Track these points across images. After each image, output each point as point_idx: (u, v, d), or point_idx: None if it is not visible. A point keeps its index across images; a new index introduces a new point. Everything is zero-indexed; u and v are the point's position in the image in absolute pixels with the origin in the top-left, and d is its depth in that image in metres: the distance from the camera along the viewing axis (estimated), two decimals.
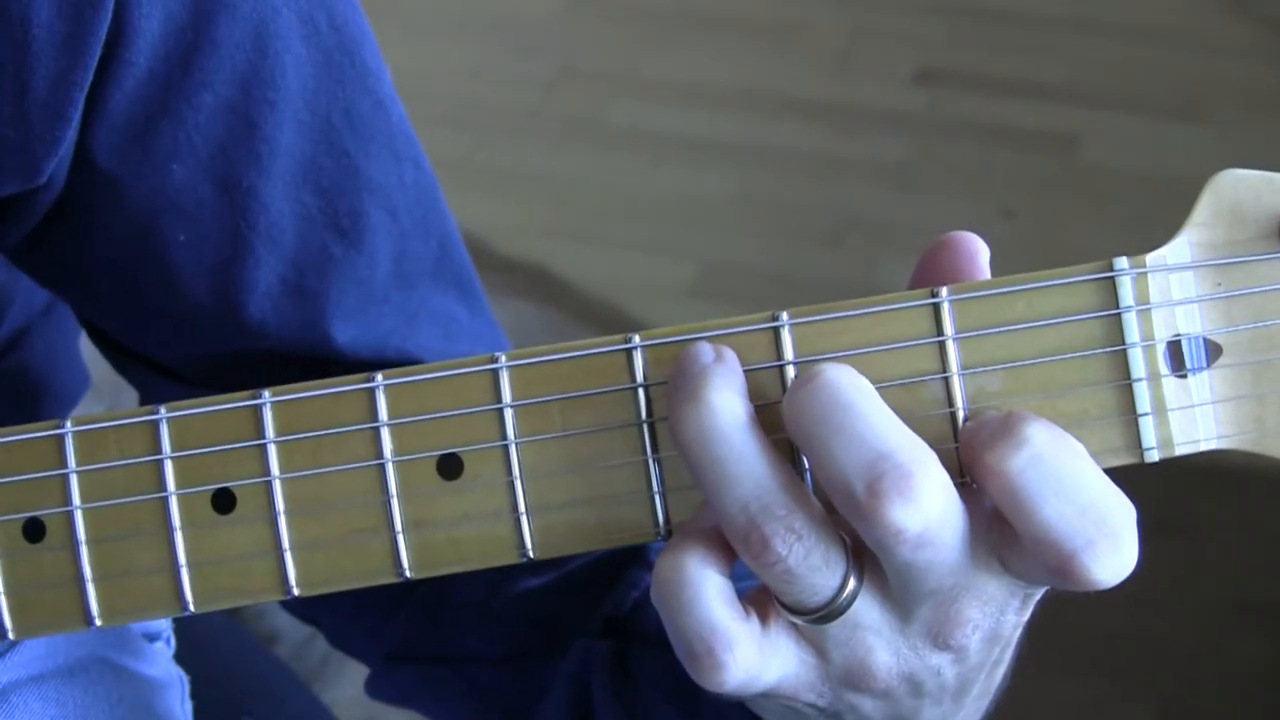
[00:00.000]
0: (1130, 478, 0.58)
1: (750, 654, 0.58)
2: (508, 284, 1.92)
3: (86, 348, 0.96)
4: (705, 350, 0.58)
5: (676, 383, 0.58)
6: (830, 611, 0.58)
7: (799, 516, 0.56)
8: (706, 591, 0.57)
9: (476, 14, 2.83)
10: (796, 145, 2.55)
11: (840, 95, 2.62)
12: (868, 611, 0.58)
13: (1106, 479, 0.57)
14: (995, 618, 0.59)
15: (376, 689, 0.86)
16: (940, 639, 0.59)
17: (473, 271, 0.82)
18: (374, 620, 0.84)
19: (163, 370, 0.80)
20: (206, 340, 0.77)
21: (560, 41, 2.76)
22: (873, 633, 0.59)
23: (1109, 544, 0.55)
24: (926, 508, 0.55)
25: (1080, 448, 0.57)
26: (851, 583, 0.58)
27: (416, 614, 0.82)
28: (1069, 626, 1.76)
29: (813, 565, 0.57)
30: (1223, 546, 1.96)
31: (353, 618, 0.85)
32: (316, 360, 0.77)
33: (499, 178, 2.54)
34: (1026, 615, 0.61)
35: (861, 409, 0.56)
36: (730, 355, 0.58)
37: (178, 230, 0.73)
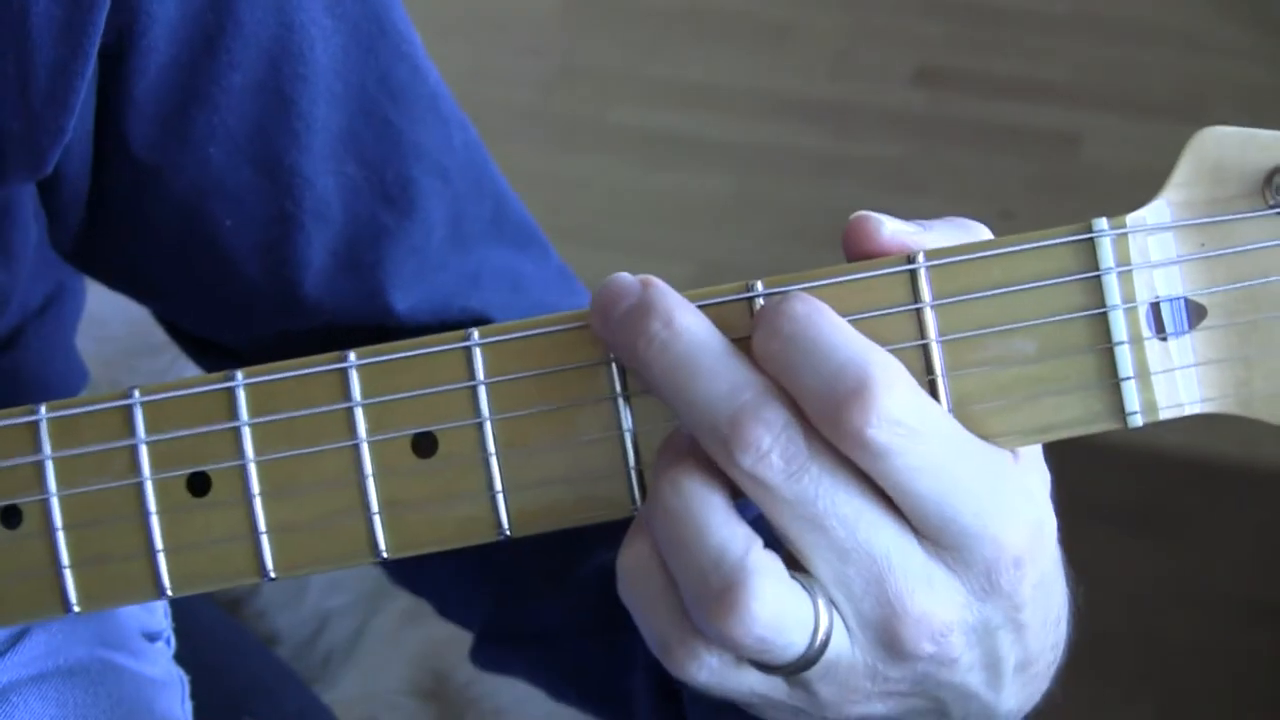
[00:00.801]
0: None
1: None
2: None
3: (85, 346, 0.96)
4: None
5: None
6: (807, 660, 0.56)
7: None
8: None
9: (476, 14, 2.83)
10: (796, 145, 2.55)
11: (839, 95, 2.62)
12: (844, 650, 0.57)
13: (855, 336, 0.55)
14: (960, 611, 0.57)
15: (478, 659, 0.85)
16: (895, 647, 0.57)
17: (533, 223, 0.82)
18: (465, 591, 0.83)
19: (233, 355, 0.80)
20: (270, 321, 0.77)
21: (560, 41, 2.76)
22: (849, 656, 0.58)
23: (870, 392, 0.54)
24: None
25: (830, 316, 0.56)
26: (825, 622, 0.56)
27: (500, 584, 0.82)
28: (1071, 627, 1.76)
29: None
30: (1223, 546, 1.96)
31: (448, 590, 0.85)
32: (380, 330, 0.76)
33: None
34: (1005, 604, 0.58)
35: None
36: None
37: (223, 215, 0.73)
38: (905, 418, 0.54)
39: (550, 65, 2.72)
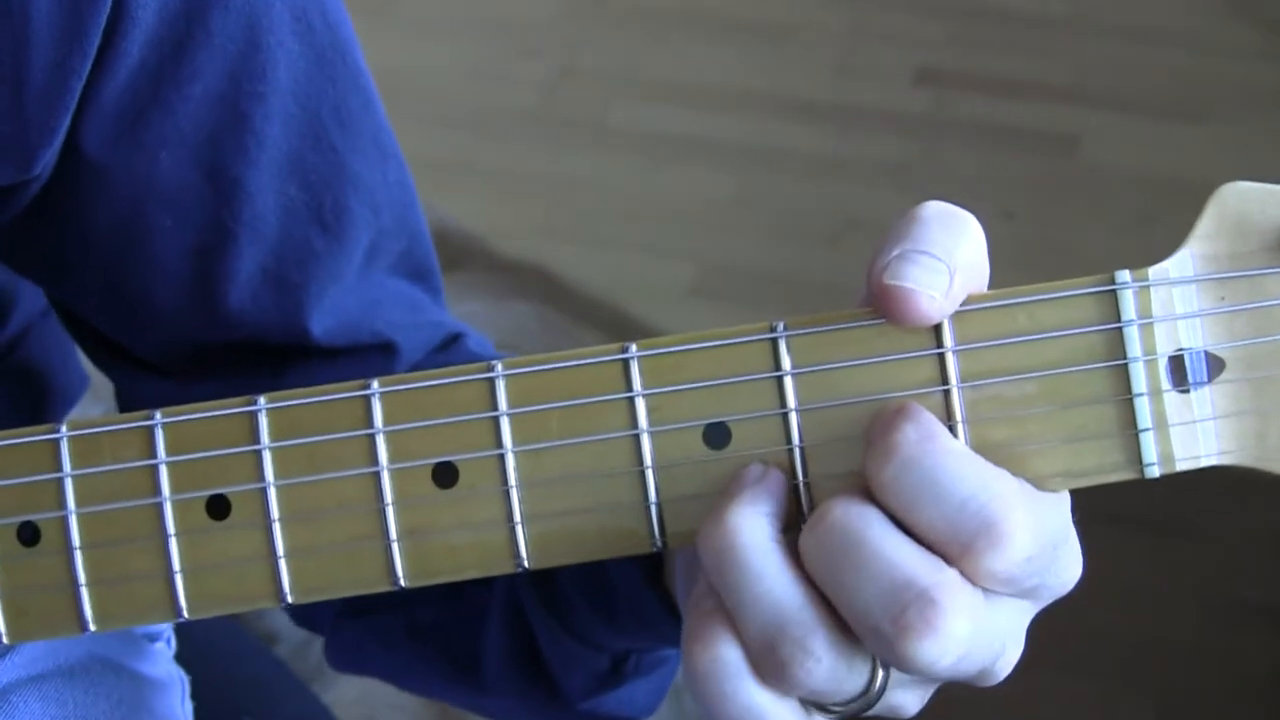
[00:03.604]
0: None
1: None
2: (507, 284, 1.92)
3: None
4: (752, 470, 0.58)
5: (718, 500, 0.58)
6: (864, 703, 0.57)
7: (817, 636, 0.56)
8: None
9: (476, 14, 2.83)
10: (796, 146, 2.55)
11: (840, 96, 2.62)
12: (900, 686, 0.58)
13: (978, 462, 0.56)
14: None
15: (333, 658, 0.85)
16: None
17: (434, 264, 0.82)
18: None
19: (138, 362, 0.80)
20: (185, 329, 0.77)
21: (560, 42, 2.76)
22: (904, 691, 0.59)
23: (990, 537, 0.55)
24: (957, 633, 0.54)
25: (953, 441, 0.56)
26: (879, 676, 0.57)
27: None
28: (1069, 626, 1.76)
29: (837, 678, 0.56)
30: (1223, 546, 1.96)
31: None
32: (291, 350, 0.77)
33: (499, 178, 2.54)
34: None
35: (872, 542, 0.55)
36: (773, 476, 0.58)
37: (164, 216, 0.73)
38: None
39: (550, 66, 2.72)
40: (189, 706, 0.86)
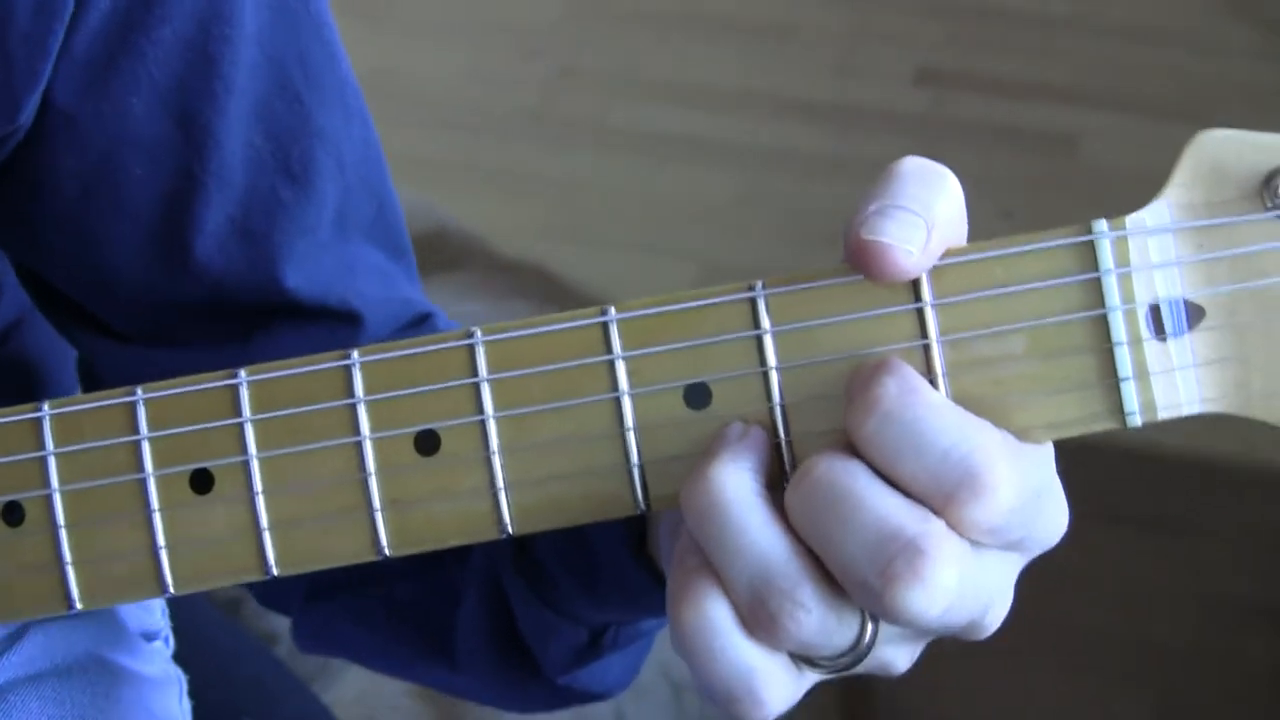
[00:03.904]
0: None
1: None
2: (507, 284, 1.92)
3: None
4: (734, 428, 0.58)
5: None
6: (854, 658, 0.57)
7: (804, 588, 0.55)
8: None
9: (476, 15, 2.83)
10: (797, 146, 2.55)
11: (841, 95, 2.62)
12: (889, 642, 0.58)
13: (960, 414, 0.56)
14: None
15: (302, 637, 0.85)
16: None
17: (407, 242, 0.82)
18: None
19: (103, 328, 0.79)
20: (153, 287, 0.76)
21: (560, 42, 2.76)
22: (893, 646, 0.58)
23: (974, 488, 0.55)
24: (945, 582, 0.54)
25: (934, 394, 0.56)
26: (869, 628, 0.57)
27: None
28: (1068, 626, 1.76)
29: (826, 630, 0.56)
30: (1223, 546, 1.96)
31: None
32: (259, 308, 0.76)
33: (499, 178, 2.54)
34: None
35: (858, 495, 0.55)
36: (754, 433, 0.58)
37: (134, 165, 0.73)
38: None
39: (550, 66, 2.72)
40: (187, 705, 0.86)
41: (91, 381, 0.83)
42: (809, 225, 2.40)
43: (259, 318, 0.76)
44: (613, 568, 0.70)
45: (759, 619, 0.55)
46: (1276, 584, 1.92)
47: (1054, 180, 2.46)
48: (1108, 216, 0.58)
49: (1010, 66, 2.65)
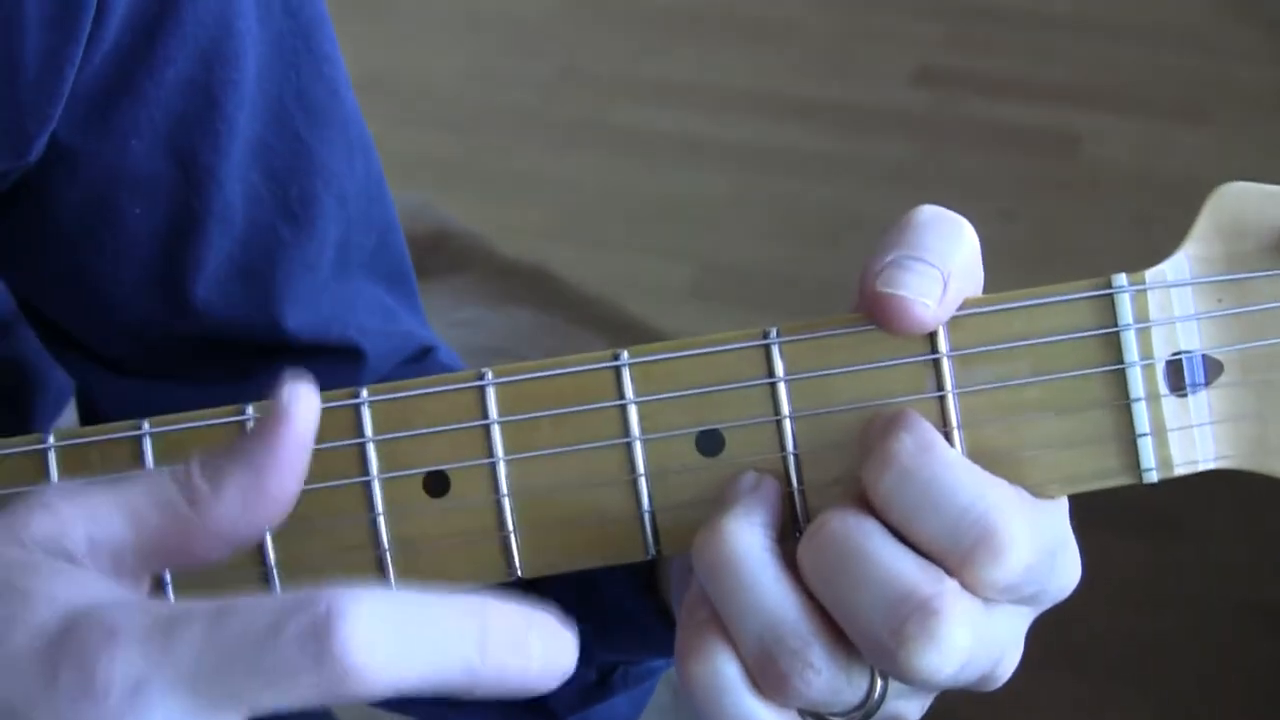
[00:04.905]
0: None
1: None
2: (507, 285, 1.92)
3: None
4: (746, 478, 0.58)
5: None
6: (863, 714, 0.57)
7: (815, 648, 0.55)
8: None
9: (476, 14, 2.83)
10: (796, 145, 2.55)
11: (840, 95, 2.62)
12: (899, 696, 0.57)
13: (975, 472, 0.55)
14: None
15: None
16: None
17: (409, 267, 0.81)
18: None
19: (101, 361, 0.79)
20: (151, 322, 0.76)
21: (561, 42, 2.76)
22: (904, 700, 0.58)
23: (990, 548, 0.54)
24: (958, 643, 0.54)
25: (950, 451, 0.56)
26: (879, 685, 0.56)
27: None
28: (1069, 626, 1.76)
29: (836, 689, 0.56)
30: (1223, 546, 1.96)
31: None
32: (259, 346, 0.76)
33: (499, 179, 2.54)
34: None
35: (872, 554, 0.55)
36: (767, 484, 0.57)
37: (132, 204, 0.72)
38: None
39: (550, 66, 2.72)
40: None
41: (91, 414, 0.83)
42: (808, 225, 2.40)
43: (260, 355, 0.76)
44: (621, 606, 0.70)
45: (769, 678, 0.55)
46: (1275, 585, 1.92)
47: (1054, 180, 2.46)
48: (1127, 273, 0.58)
49: (1010, 66, 2.65)
